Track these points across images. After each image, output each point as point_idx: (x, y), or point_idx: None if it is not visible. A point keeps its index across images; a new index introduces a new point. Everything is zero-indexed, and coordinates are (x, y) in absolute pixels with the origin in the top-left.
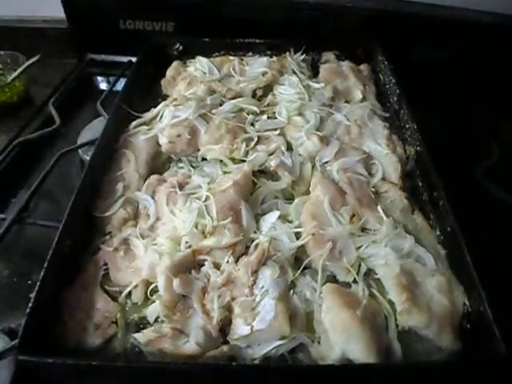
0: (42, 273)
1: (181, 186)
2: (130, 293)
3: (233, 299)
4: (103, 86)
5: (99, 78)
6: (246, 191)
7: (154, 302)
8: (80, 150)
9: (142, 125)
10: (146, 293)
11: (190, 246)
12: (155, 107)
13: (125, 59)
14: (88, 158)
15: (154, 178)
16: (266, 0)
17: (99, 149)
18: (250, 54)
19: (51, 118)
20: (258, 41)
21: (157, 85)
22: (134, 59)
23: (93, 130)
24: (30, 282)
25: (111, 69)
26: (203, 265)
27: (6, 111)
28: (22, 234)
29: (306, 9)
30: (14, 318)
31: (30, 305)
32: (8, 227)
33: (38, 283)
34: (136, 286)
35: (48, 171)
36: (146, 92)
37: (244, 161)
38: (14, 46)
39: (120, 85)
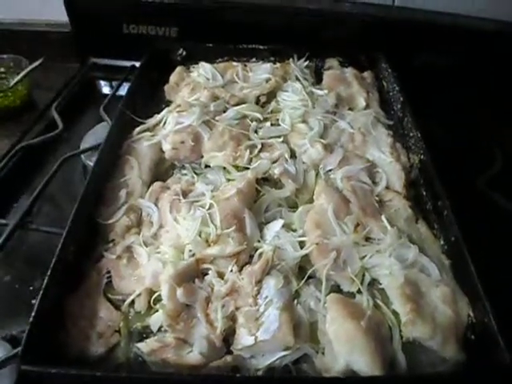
0: (46, 280)
1: (184, 194)
2: (133, 301)
3: (237, 309)
4: (106, 90)
5: (102, 83)
6: (250, 199)
7: (157, 310)
8: (83, 156)
9: (145, 131)
10: (149, 302)
11: (193, 255)
12: (158, 113)
13: (128, 64)
14: (91, 163)
15: (157, 185)
16: (268, 5)
17: (103, 155)
18: (254, 59)
19: (54, 123)
20: (261, 47)
21: (160, 90)
22: (137, 64)
23: (96, 135)
24: (31, 288)
25: (114, 73)
26: (207, 274)
27: (9, 115)
28: (25, 240)
29: (308, 15)
30: (15, 324)
31: (33, 313)
32: (10, 233)
33: (42, 291)
34: (139, 295)
35: (51, 176)
36: (149, 97)
37: (247, 168)
38: (15, 50)
39: (123, 89)
